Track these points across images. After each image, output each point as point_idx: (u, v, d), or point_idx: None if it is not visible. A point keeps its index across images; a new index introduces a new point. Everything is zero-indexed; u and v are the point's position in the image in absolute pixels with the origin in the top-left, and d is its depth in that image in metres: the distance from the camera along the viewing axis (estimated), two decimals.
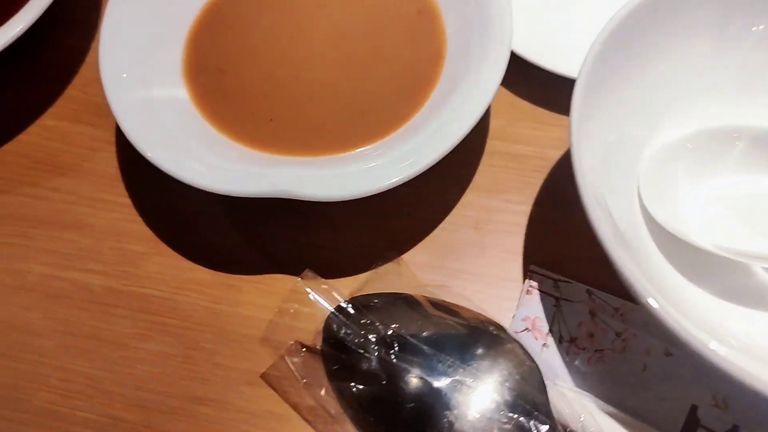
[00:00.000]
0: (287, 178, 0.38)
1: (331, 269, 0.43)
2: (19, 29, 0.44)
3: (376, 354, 0.37)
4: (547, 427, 0.35)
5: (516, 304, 0.42)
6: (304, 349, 0.40)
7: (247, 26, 0.46)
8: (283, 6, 0.47)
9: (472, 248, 0.43)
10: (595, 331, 0.39)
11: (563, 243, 0.43)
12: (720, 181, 0.41)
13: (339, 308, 0.40)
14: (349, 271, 0.43)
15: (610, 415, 0.37)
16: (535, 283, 0.40)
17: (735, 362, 0.29)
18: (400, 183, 0.38)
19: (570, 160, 0.35)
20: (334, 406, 0.39)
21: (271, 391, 0.40)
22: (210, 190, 0.38)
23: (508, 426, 0.35)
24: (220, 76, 0.45)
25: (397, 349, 0.37)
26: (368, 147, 0.42)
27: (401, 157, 0.39)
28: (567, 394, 0.37)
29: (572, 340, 0.39)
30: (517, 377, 0.37)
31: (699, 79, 0.41)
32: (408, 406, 0.36)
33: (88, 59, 0.51)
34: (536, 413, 0.35)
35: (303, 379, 0.39)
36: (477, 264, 0.43)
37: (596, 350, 0.38)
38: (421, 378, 0.36)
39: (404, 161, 0.39)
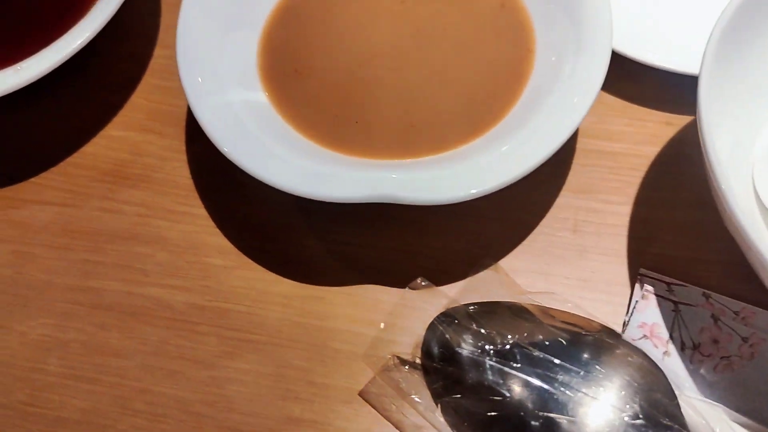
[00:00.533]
0: (388, 182, 0.36)
1: (422, 278, 0.40)
2: (82, 39, 0.41)
3: (492, 366, 0.35)
4: None
5: (626, 310, 0.39)
6: (405, 366, 0.37)
7: (321, 26, 0.44)
8: (360, 4, 0.45)
9: (572, 252, 0.41)
10: (720, 336, 0.36)
11: (671, 244, 0.40)
12: None
13: (440, 319, 0.38)
14: (444, 279, 0.40)
15: (746, 427, 0.34)
16: (650, 288, 0.38)
17: None
18: (511, 183, 0.35)
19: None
20: (441, 423, 0.36)
21: (371, 410, 0.38)
22: (310, 197, 0.36)
23: None
24: (297, 77, 0.43)
25: (518, 359, 0.34)
26: (464, 147, 0.40)
27: (504, 157, 0.37)
28: (697, 405, 0.34)
29: (695, 347, 0.36)
30: (644, 387, 0.34)
31: None
32: (533, 422, 0.33)
33: (151, 66, 0.49)
34: (670, 425, 0.33)
35: (405, 396, 0.37)
36: (579, 268, 0.41)
37: (722, 357, 0.36)
38: (545, 390, 0.34)
39: (509, 160, 0.37)
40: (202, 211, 0.43)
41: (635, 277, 0.40)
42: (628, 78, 0.45)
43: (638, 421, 0.33)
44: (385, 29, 0.44)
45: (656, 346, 0.37)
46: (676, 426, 0.33)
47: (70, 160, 0.45)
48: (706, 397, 0.35)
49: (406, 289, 0.38)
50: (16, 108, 0.45)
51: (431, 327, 0.38)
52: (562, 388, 0.34)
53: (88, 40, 0.41)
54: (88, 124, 0.47)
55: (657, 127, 0.44)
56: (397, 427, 0.37)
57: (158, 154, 0.45)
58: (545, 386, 0.34)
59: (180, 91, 0.45)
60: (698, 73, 0.34)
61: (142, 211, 0.44)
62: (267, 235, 0.42)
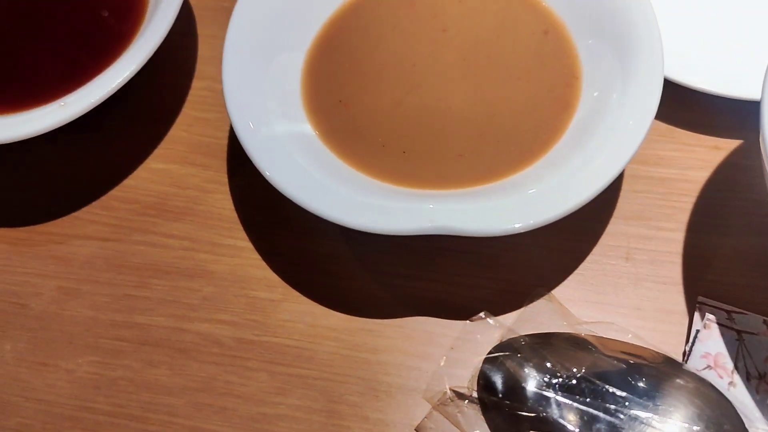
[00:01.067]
0: (444, 214, 0.35)
1: (474, 309, 0.40)
2: (127, 74, 0.41)
3: (559, 401, 0.34)
4: None
5: (685, 339, 0.38)
6: (464, 400, 0.37)
7: (363, 56, 0.44)
8: (401, 33, 0.45)
9: (627, 280, 0.40)
10: None
11: (727, 270, 0.40)
12: None
13: (497, 351, 0.37)
14: (497, 310, 0.40)
15: None
16: (712, 317, 0.37)
17: None
18: (571, 212, 0.35)
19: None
20: None
21: None
22: (368, 231, 0.35)
23: None
24: (342, 108, 0.42)
25: (585, 393, 0.33)
26: (514, 176, 0.39)
27: (560, 186, 0.37)
28: None
29: (761, 377, 0.36)
30: (713, 419, 0.33)
31: None
32: None
33: (190, 98, 0.48)
34: None
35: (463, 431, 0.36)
36: (634, 297, 0.40)
37: None
38: (614, 425, 0.33)
39: (566, 190, 0.36)
40: (247, 244, 0.43)
41: (693, 305, 0.39)
42: (673, 102, 0.44)
43: None
44: (429, 58, 0.44)
45: (721, 377, 0.36)
46: None
47: (112, 193, 0.45)
48: None
49: (467, 321, 0.37)
50: (56, 142, 0.44)
51: (489, 359, 0.37)
52: (631, 422, 0.33)
53: (133, 74, 0.40)
54: (129, 157, 0.46)
55: (705, 152, 0.44)
56: None
57: (200, 187, 0.45)
58: (614, 421, 0.33)
59: (220, 123, 0.46)
60: (760, 98, 0.33)
61: (186, 245, 0.43)
62: (314, 267, 0.42)
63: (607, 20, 0.42)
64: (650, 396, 0.34)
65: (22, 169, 0.46)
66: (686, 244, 0.41)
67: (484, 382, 0.37)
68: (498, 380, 0.36)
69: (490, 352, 0.37)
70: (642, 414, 0.33)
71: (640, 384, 0.34)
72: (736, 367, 0.36)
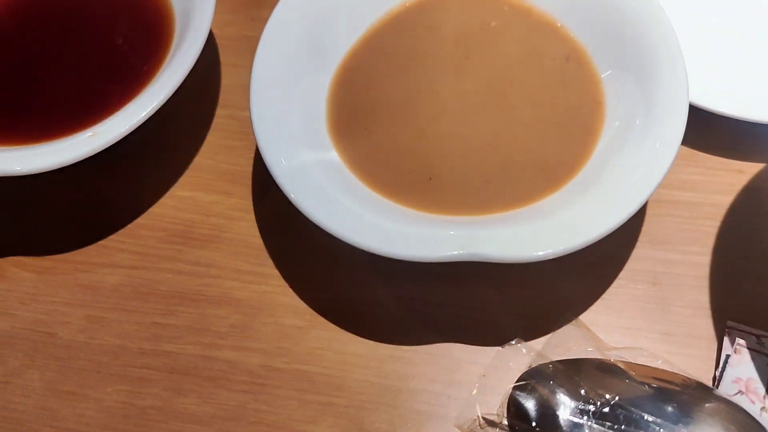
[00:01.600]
0: (474, 240, 0.36)
1: (501, 335, 0.40)
2: (156, 103, 0.41)
3: (593, 428, 0.34)
4: None
5: (714, 364, 0.38)
6: (495, 429, 0.36)
7: (387, 83, 0.45)
8: (424, 61, 0.45)
9: (654, 305, 0.40)
10: None
11: (755, 295, 0.40)
12: None
13: (527, 377, 0.37)
14: (525, 336, 0.39)
15: None
16: (743, 341, 0.37)
17: None
18: (602, 237, 0.35)
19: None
20: None
21: None
22: (400, 258, 0.35)
23: None
24: (367, 135, 0.43)
25: (620, 420, 0.33)
26: (542, 202, 0.39)
27: (589, 212, 0.37)
28: None
29: None
30: None
31: None
32: None
33: (214, 126, 0.49)
34: None
35: None
36: (662, 322, 0.40)
37: None
38: None
39: (595, 215, 0.36)
40: (274, 271, 0.43)
41: (722, 329, 0.39)
42: (696, 126, 0.44)
43: None
44: (452, 84, 0.44)
45: (753, 402, 0.36)
46: None
47: (138, 221, 0.45)
48: None
49: (499, 348, 0.37)
50: (82, 170, 0.44)
51: (519, 386, 0.37)
52: None
53: (161, 103, 0.41)
54: (155, 185, 0.46)
55: (729, 176, 0.44)
56: None
57: (226, 214, 0.45)
58: None
59: (244, 150, 0.46)
60: None
61: (213, 272, 0.43)
62: (341, 294, 0.42)
63: (629, 45, 0.42)
64: (683, 422, 0.34)
65: (49, 197, 0.46)
66: (713, 268, 0.41)
67: (514, 409, 0.37)
68: (529, 407, 0.36)
69: (519, 379, 0.37)
70: None
71: (673, 410, 0.34)
72: None
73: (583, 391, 0.35)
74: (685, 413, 0.34)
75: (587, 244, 0.35)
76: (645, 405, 0.35)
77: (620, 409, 0.34)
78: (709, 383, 0.37)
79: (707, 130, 0.44)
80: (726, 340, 0.38)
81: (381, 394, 0.39)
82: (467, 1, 0.47)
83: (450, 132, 0.42)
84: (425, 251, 0.35)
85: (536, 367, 0.38)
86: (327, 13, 0.45)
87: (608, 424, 0.34)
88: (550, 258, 0.35)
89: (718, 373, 0.38)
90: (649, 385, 0.36)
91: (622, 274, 0.41)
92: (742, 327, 0.38)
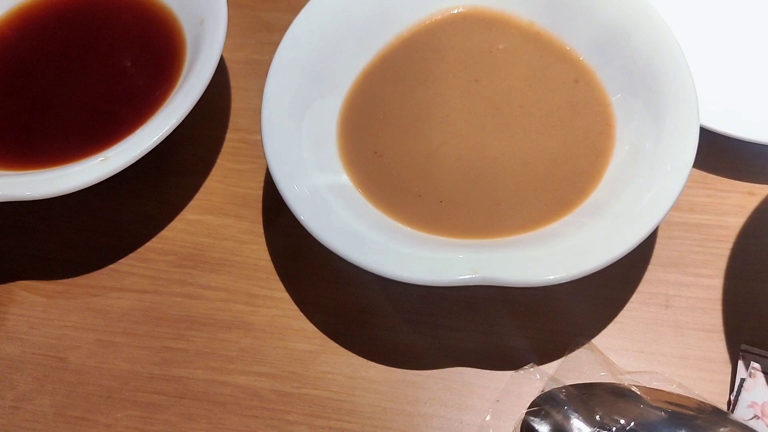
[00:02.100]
0: (487, 264, 0.36)
1: (514, 359, 0.39)
2: (168, 127, 0.41)
3: None
4: None
5: (728, 388, 0.38)
6: None
7: (397, 107, 0.45)
8: (433, 84, 0.45)
9: (667, 328, 0.40)
10: None
11: None
12: None
13: (541, 402, 0.36)
14: (536, 360, 0.39)
15: None
16: (757, 365, 0.37)
17: None
18: (614, 261, 0.35)
19: None
20: None
21: None
22: (407, 281, 0.35)
23: None
24: (377, 158, 0.43)
25: None
26: (553, 225, 0.39)
27: (601, 235, 0.37)
28: None
29: None
30: None
31: None
32: None
33: (224, 149, 0.49)
34: None
35: None
36: (675, 345, 0.40)
37: None
38: None
39: (607, 239, 0.36)
40: (284, 295, 0.43)
41: (736, 353, 0.39)
42: (705, 148, 0.44)
43: None
44: (462, 108, 0.44)
45: None
46: None
47: (148, 245, 0.45)
48: None
49: (513, 372, 0.37)
50: (92, 194, 0.45)
51: (532, 411, 0.36)
52: None
53: (173, 128, 0.41)
54: (165, 208, 0.47)
55: (740, 198, 0.44)
56: None
57: (236, 237, 0.45)
58: None
59: (254, 174, 0.46)
60: None
61: (224, 296, 0.43)
62: (351, 318, 0.42)
63: (638, 69, 0.42)
64: None
65: (59, 221, 0.46)
66: (725, 290, 0.41)
67: None
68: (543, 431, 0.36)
69: (533, 404, 0.37)
70: None
71: None
72: None
73: (597, 416, 0.35)
74: None
75: (599, 268, 0.35)
76: (660, 430, 0.34)
77: None
78: (724, 407, 0.37)
79: (717, 152, 0.44)
80: (740, 363, 0.38)
81: (392, 419, 0.39)
82: (475, 24, 0.47)
83: (460, 155, 0.42)
84: (437, 275, 0.35)
85: (549, 391, 0.37)
86: (337, 37, 0.45)
87: None
88: (562, 282, 0.35)
89: (733, 398, 0.37)
90: (664, 410, 0.35)
91: (634, 297, 0.41)
92: (756, 350, 0.38)
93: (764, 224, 0.43)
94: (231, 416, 0.39)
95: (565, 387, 0.37)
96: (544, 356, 0.39)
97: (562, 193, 0.41)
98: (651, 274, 0.42)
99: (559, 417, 0.35)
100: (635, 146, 0.40)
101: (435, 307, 0.41)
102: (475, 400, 0.39)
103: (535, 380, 0.37)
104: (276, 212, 0.46)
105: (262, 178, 0.47)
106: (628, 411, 0.35)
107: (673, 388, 0.37)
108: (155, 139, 0.41)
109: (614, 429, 0.34)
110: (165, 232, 0.46)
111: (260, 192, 0.47)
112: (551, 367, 0.39)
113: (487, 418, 0.37)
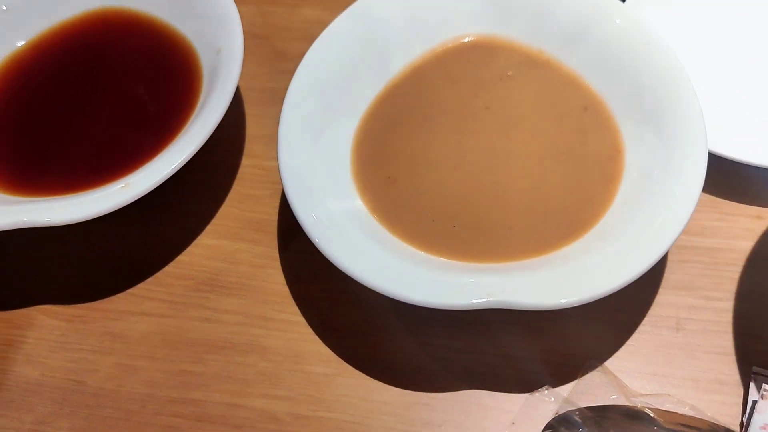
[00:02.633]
0: (501, 288, 0.36)
1: (527, 382, 0.40)
2: (187, 154, 0.42)
3: None
4: None
5: (740, 410, 0.38)
6: None
7: (409, 133, 0.46)
8: (445, 111, 0.46)
9: (679, 351, 0.41)
10: None
11: None
12: None
13: (557, 423, 0.37)
14: (549, 383, 0.40)
15: None
16: None
17: None
18: (626, 285, 0.35)
19: None
20: None
21: None
22: (422, 305, 0.36)
23: None
24: (390, 184, 0.44)
25: None
26: (565, 249, 0.40)
27: (613, 259, 0.37)
28: None
29: None
30: None
31: None
32: None
33: (240, 175, 0.50)
34: None
35: None
36: (687, 368, 0.40)
37: None
38: None
39: (619, 262, 0.37)
40: (300, 319, 0.43)
41: (747, 375, 0.39)
42: (714, 173, 0.45)
43: None
44: (474, 134, 0.45)
45: None
46: None
47: (166, 269, 0.46)
48: None
49: (528, 395, 0.38)
50: (110, 219, 0.45)
51: None
52: None
53: (192, 154, 0.42)
54: (182, 233, 0.47)
55: (748, 221, 0.44)
56: None
57: (252, 262, 0.46)
58: None
59: (269, 199, 0.47)
60: None
61: (240, 320, 0.44)
62: (367, 341, 0.42)
63: (647, 96, 0.43)
64: None
65: (79, 246, 0.47)
66: (736, 313, 0.41)
67: None
68: None
69: (548, 425, 0.37)
70: None
71: None
72: None
73: None
74: None
75: (611, 292, 0.35)
76: None
77: None
78: (737, 429, 0.37)
79: (725, 177, 0.45)
80: (752, 385, 0.38)
81: None
82: (486, 52, 0.48)
83: (472, 180, 0.43)
84: (452, 299, 0.36)
85: (564, 413, 0.38)
86: (351, 66, 0.46)
87: None
88: (574, 306, 0.35)
89: (745, 419, 0.38)
90: None
91: (646, 320, 0.42)
92: (767, 372, 0.38)
93: None
94: None
95: (579, 409, 0.38)
96: (558, 379, 0.40)
97: (573, 217, 0.41)
98: (662, 297, 0.42)
99: None
100: (645, 172, 0.41)
101: (447, 329, 0.42)
102: (490, 423, 0.39)
103: (549, 402, 0.38)
104: (291, 236, 0.46)
105: (277, 203, 0.48)
106: None
107: (686, 411, 0.37)
108: (175, 165, 0.42)
109: None
110: (182, 257, 0.47)
111: (275, 217, 0.48)
112: (565, 390, 0.39)
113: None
